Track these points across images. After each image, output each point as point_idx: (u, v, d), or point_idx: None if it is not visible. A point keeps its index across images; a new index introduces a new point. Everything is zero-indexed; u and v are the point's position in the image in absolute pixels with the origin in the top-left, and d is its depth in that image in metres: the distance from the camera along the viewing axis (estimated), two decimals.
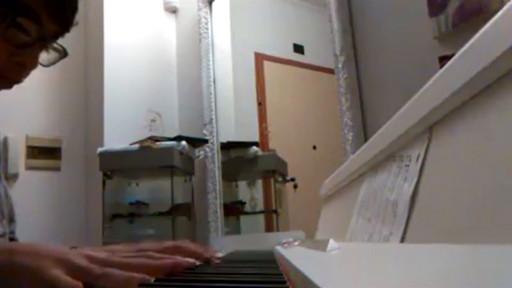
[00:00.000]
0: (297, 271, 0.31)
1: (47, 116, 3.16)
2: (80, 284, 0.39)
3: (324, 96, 3.10)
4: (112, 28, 3.15)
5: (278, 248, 0.80)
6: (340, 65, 2.11)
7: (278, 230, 3.04)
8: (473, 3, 1.50)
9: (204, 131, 3.08)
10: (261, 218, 3.42)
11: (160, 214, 2.81)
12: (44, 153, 3.09)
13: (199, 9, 3.22)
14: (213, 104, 3.12)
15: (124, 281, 0.40)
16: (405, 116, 0.44)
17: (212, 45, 3.20)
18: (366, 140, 1.93)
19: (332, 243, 0.43)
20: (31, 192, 2.95)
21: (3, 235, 0.73)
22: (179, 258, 0.49)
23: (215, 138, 3.08)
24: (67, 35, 0.67)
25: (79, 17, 0.67)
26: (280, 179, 3.27)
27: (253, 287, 0.38)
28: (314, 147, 3.76)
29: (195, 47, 3.23)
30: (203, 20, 3.21)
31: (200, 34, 3.20)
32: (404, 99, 0.43)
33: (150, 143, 2.74)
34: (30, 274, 0.40)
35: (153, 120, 3.19)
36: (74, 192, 3.13)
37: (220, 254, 0.78)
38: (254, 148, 3.07)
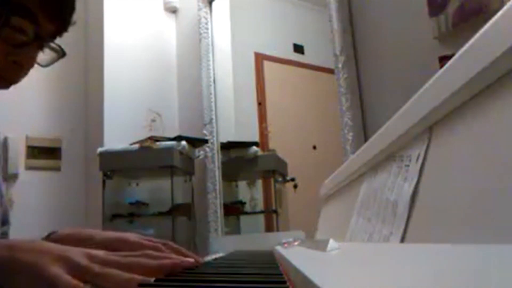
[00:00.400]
0: (297, 271, 0.31)
1: (47, 116, 3.16)
2: (80, 283, 0.39)
3: (324, 96, 3.10)
4: (112, 29, 3.15)
5: (278, 248, 0.80)
6: (340, 65, 2.11)
7: (278, 230, 3.04)
8: (473, 3, 1.50)
9: (204, 131, 3.08)
10: (261, 218, 3.42)
11: (160, 214, 2.81)
12: (44, 153, 3.09)
13: (199, 9, 3.22)
14: (213, 104, 3.12)
15: (123, 281, 0.40)
16: (405, 116, 0.44)
17: (212, 45, 3.20)
18: (366, 140, 1.93)
19: (332, 243, 0.43)
20: (31, 192, 2.95)
21: None
22: (179, 258, 0.49)
23: (215, 138, 3.08)
24: (66, 35, 0.66)
25: (77, 17, 0.67)
26: (280, 179, 3.27)
27: (253, 287, 0.38)
28: (314, 147, 3.76)
29: (195, 47, 3.23)
30: (203, 20, 3.21)
31: (200, 34, 3.20)
32: (404, 99, 0.43)
33: (150, 143, 2.74)
34: (30, 271, 0.40)
35: (153, 120, 3.19)
36: (74, 192, 3.13)
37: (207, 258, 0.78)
38: (254, 148, 3.07)
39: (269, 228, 3.28)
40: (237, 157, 3.08)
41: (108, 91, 3.05)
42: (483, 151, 0.28)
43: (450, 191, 0.33)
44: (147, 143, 2.73)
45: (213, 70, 3.16)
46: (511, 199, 0.24)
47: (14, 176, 2.91)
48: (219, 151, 3.09)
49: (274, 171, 3.13)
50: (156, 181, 3.02)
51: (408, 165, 0.43)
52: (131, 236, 0.61)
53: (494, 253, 0.20)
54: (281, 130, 3.64)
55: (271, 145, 3.51)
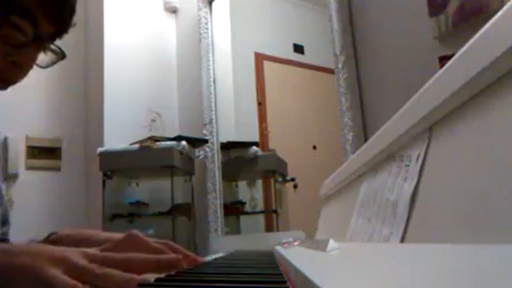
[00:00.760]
0: (297, 271, 0.31)
1: (47, 116, 3.16)
2: (78, 283, 0.39)
3: (324, 96, 3.10)
4: (112, 29, 3.15)
5: (278, 248, 0.80)
6: (340, 65, 2.11)
7: (278, 230, 3.04)
8: (473, 3, 1.50)
9: (204, 131, 3.08)
10: (261, 218, 3.42)
11: (160, 214, 2.81)
12: (44, 153, 3.09)
13: (199, 9, 3.22)
14: (213, 104, 3.12)
15: (123, 282, 0.40)
16: (405, 116, 0.44)
17: (212, 45, 3.20)
18: (366, 140, 1.93)
19: (332, 243, 0.43)
20: (31, 192, 2.95)
21: None
22: (177, 256, 0.49)
23: (215, 138, 3.08)
24: (66, 36, 0.66)
25: (77, 18, 0.67)
26: (280, 179, 3.27)
27: (253, 287, 0.38)
28: (314, 147, 3.76)
29: (195, 47, 3.23)
30: (203, 20, 3.21)
31: (200, 34, 3.20)
32: (404, 99, 0.43)
33: (150, 143, 2.74)
34: (27, 273, 0.40)
35: (153, 120, 3.19)
36: (74, 192, 3.13)
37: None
38: (254, 148, 3.07)
39: (269, 228, 3.28)
40: (237, 157, 3.08)
41: (108, 91, 3.05)
42: (483, 151, 0.28)
43: (450, 191, 0.33)
44: (147, 143, 2.73)
45: (213, 70, 3.16)
46: (511, 199, 0.24)
47: (14, 176, 2.91)
48: (219, 151, 3.09)
49: (274, 171, 3.13)
50: (156, 181, 3.02)
51: (408, 165, 0.43)
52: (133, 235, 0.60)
53: (494, 253, 0.20)
54: (281, 130, 3.64)
55: (271, 145, 3.51)
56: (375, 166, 0.58)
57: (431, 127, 0.39)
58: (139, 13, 3.33)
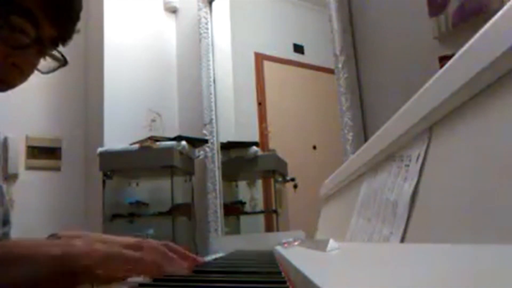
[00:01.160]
0: (297, 271, 0.31)
1: (47, 116, 3.16)
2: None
3: (324, 96, 3.10)
4: (112, 28, 3.15)
5: (278, 248, 0.80)
6: (340, 65, 2.11)
7: (278, 230, 3.04)
8: (473, 3, 1.50)
9: (204, 131, 3.08)
10: (261, 218, 3.42)
11: (160, 214, 2.81)
12: (44, 153, 3.09)
13: (199, 9, 3.22)
14: (213, 104, 3.12)
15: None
16: (405, 116, 0.44)
17: (212, 45, 3.20)
18: (366, 140, 1.93)
19: (332, 243, 0.43)
20: (31, 192, 2.95)
21: None
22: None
23: (215, 138, 3.08)
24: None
25: (80, 24, 0.66)
26: (280, 179, 3.27)
27: (253, 287, 0.38)
28: (314, 147, 3.76)
29: (195, 47, 3.23)
30: (203, 20, 3.21)
31: (200, 34, 3.20)
32: (404, 99, 0.43)
33: (150, 143, 2.74)
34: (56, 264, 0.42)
35: (153, 120, 3.19)
36: (74, 192, 3.13)
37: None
38: (254, 148, 3.07)
39: (269, 228, 3.28)
40: (237, 157, 3.08)
41: (108, 91, 3.05)
42: (483, 151, 0.28)
43: (450, 191, 0.33)
44: (147, 143, 2.73)
45: (213, 70, 3.16)
46: (511, 199, 0.24)
47: (14, 176, 2.91)
48: (219, 151, 3.09)
49: (274, 171, 3.13)
50: (156, 181, 3.02)
51: (408, 165, 0.43)
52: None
53: (494, 253, 0.20)
54: (281, 130, 3.64)
55: (271, 145, 3.51)
56: (375, 166, 0.58)
57: (431, 127, 0.39)
58: (139, 13, 3.33)
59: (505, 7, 0.25)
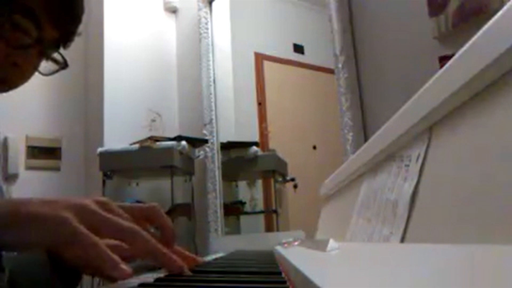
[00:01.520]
0: (297, 271, 0.31)
1: (47, 116, 3.16)
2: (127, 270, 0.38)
3: (324, 96, 3.11)
4: (112, 28, 3.15)
5: (278, 248, 0.80)
6: (340, 65, 2.11)
7: (278, 230, 3.05)
8: (473, 3, 1.50)
9: (204, 131, 3.08)
10: (261, 218, 3.43)
11: None
12: (44, 153, 3.09)
13: (199, 9, 3.22)
14: (213, 104, 3.12)
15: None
16: (405, 116, 0.44)
17: (212, 45, 3.20)
18: (366, 140, 1.93)
19: (332, 243, 0.43)
20: (31, 192, 2.95)
21: None
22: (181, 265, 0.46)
23: (215, 138, 3.08)
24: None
25: (81, 26, 0.66)
26: (280, 179, 3.27)
27: (253, 287, 0.38)
28: (314, 147, 3.76)
29: (195, 47, 3.23)
30: (203, 20, 3.21)
31: (200, 34, 3.20)
32: (404, 99, 0.43)
33: (150, 143, 2.74)
34: (42, 222, 0.38)
35: (153, 120, 3.19)
36: (74, 192, 3.13)
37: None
38: (254, 148, 3.07)
39: (269, 228, 3.29)
40: (237, 157, 3.08)
41: (108, 91, 3.05)
42: (483, 151, 0.28)
43: (450, 191, 0.33)
44: (147, 143, 2.74)
45: (213, 70, 3.16)
46: (511, 199, 0.24)
47: (14, 176, 2.91)
48: (219, 151, 3.09)
49: (274, 171, 3.13)
50: (156, 181, 3.02)
51: (408, 165, 0.43)
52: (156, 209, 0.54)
53: (494, 253, 0.20)
54: (281, 130, 3.64)
55: (271, 145, 3.51)
56: (375, 166, 0.58)
57: (431, 127, 0.39)
58: (139, 13, 3.33)
59: (505, 7, 0.25)
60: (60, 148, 3.16)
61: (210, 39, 3.20)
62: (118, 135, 2.97)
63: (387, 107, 1.88)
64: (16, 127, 2.93)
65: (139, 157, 2.71)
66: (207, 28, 3.21)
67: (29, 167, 3.01)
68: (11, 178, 2.88)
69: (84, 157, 3.22)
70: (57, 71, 0.67)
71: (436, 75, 0.35)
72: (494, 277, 0.16)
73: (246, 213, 3.30)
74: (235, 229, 3.28)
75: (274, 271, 0.47)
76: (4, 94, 0.63)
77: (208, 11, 3.24)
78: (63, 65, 0.67)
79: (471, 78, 0.28)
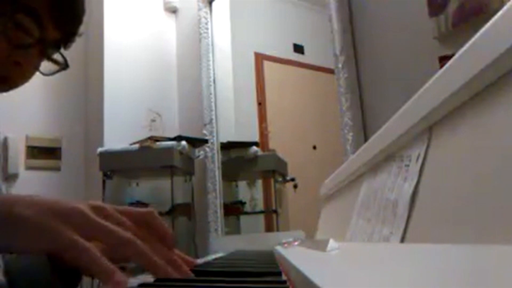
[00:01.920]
0: (297, 271, 0.31)
1: (47, 116, 3.16)
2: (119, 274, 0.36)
3: (324, 96, 3.11)
4: (112, 28, 3.15)
5: (278, 248, 0.80)
6: (340, 65, 2.11)
7: (278, 230, 3.04)
8: (473, 3, 1.50)
9: (204, 131, 3.08)
10: (261, 218, 3.43)
11: (160, 214, 2.80)
12: (44, 153, 3.09)
13: (199, 9, 3.22)
14: (213, 104, 3.12)
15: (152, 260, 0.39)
16: (405, 116, 0.44)
17: (212, 45, 3.20)
18: (366, 140, 1.93)
19: (332, 243, 0.43)
20: (31, 192, 2.92)
21: None
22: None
23: (215, 138, 3.08)
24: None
25: (82, 27, 0.67)
26: (280, 179, 3.27)
27: (253, 287, 0.38)
28: (314, 147, 3.76)
29: (195, 47, 3.23)
30: (203, 20, 3.21)
31: (200, 34, 3.20)
32: (404, 99, 0.43)
33: (150, 143, 2.74)
34: (32, 227, 0.36)
35: (153, 120, 3.19)
36: (74, 192, 3.13)
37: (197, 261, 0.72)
38: (254, 148, 3.07)
39: (269, 228, 3.29)
40: (237, 157, 3.08)
41: (108, 91, 3.05)
42: (483, 151, 0.28)
43: (450, 191, 0.33)
44: (147, 143, 2.74)
45: (213, 70, 3.16)
46: (511, 199, 0.24)
47: (14, 176, 2.91)
48: (219, 151, 3.09)
49: (274, 171, 3.13)
50: (156, 181, 3.02)
51: (408, 165, 0.43)
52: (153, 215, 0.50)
53: (494, 253, 0.20)
54: (281, 130, 3.64)
55: (271, 145, 3.51)
56: (375, 166, 0.58)
57: (431, 127, 0.39)
58: (139, 13, 3.33)
59: (505, 7, 0.25)
60: (60, 148, 3.16)
61: (210, 39, 3.20)
62: (118, 135, 2.97)
63: (387, 107, 1.88)
64: (16, 127, 2.93)
65: (139, 157, 2.71)
66: (207, 28, 3.21)
67: (29, 167, 3.01)
68: (11, 178, 2.88)
69: (84, 157, 3.22)
70: (57, 71, 0.67)
71: (436, 75, 0.35)
72: (494, 277, 0.16)
73: (246, 213, 3.30)
74: (235, 229, 3.28)
75: (274, 271, 0.47)
76: (4, 94, 0.63)
77: (208, 11, 3.24)
78: (64, 65, 0.67)
79: (471, 78, 0.28)
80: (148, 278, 0.41)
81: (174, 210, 2.76)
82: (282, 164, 3.24)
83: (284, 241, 0.92)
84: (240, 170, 3.20)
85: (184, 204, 2.99)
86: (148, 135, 2.93)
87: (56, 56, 0.66)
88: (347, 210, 0.70)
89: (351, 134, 2.04)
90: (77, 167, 3.20)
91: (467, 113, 0.31)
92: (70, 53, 0.67)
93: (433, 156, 0.38)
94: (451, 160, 0.34)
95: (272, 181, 3.21)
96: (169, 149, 2.70)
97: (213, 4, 3.26)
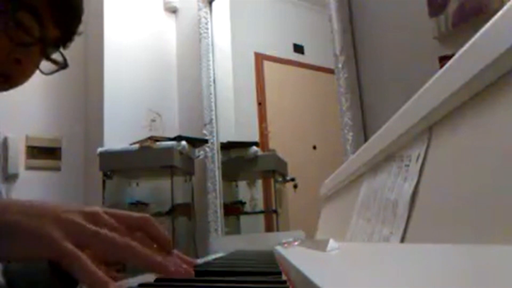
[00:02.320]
0: (297, 271, 0.31)
1: (47, 116, 3.16)
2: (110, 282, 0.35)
3: (324, 96, 3.10)
4: (112, 28, 3.15)
5: (278, 248, 0.80)
6: (340, 65, 2.11)
7: (278, 230, 3.04)
8: (473, 3, 1.50)
9: (204, 131, 3.08)
10: (261, 218, 3.42)
11: (160, 214, 2.81)
12: (44, 153, 3.09)
13: (199, 9, 3.22)
14: (213, 104, 3.12)
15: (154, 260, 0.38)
16: (405, 116, 0.44)
17: (212, 45, 3.20)
18: (366, 140, 1.93)
19: (332, 243, 0.43)
20: (31, 192, 2.95)
21: None
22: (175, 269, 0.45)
23: (215, 138, 3.08)
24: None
25: (81, 26, 0.67)
26: (280, 179, 3.27)
27: (253, 287, 0.38)
28: (314, 147, 3.76)
29: (195, 47, 3.23)
30: (203, 20, 3.21)
31: (200, 34, 3.20)
32: (404, 99, 0.43)
33: (150, 143, 2.74)
34: (24, 234, 0.35)
35: (153, 120, 3.19)
36: (74, 192, 3.13)
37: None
38: (254, 148, 3.07)
39: (269, 228, 3.28)
40: (237, 157, 3.08)
41: (108, 91, 3.05)
42: (483, 151, 0.28)
43: (450, 191, 0.33)
44: (147, 143, 2.73)
45: (213, 70, 3.16)
46: (511, 199, 0.24)
47: (14, 176, 2.91)
48: (219, 151, 3.09)
49: (274, 171, 3.13)
50: (156, 181, 3.02)
51: (408, 165, 0.43)
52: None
53: (494, 253, 0.20)
54: (281, 130, 3.64)
55: (271, 145, 3.51)
56: (375, 166, 0.58)
57: (431, 127, 0.39)
58: (139, 13, 3.33)
59: (505, 7, 0.25)
60: (60, 148, 3.16)
61: (210, 39, 3.20)
62: (118, 135, 2.97)
63: (387, 107, 1.88)
64: (16, 127, 2.93)
65: (139, 157, 2.71)
66: (207, 28, 3.21)
67: (29, 167, 3.01)
68: (11, 178, 2.88)
69: (84, 157, 3.22)
70: (57, 70, 0.67)
71: (436, 75, 0.35)
72: (494, 277, 0.16)
73: (246, 213, 3.30)
74: (235, 229, 3.28)
75: (274, 271, 0.47)
76: (5, 94, 0.64)
77: (208, 11, 3.24)
78: (63, 64, 0.67)
79: (471, 78, 0.28)
80: (148, 278, 0.41)
81: (174, 210, 2.76)
82: (282, 164, 3.24)
83: (284, 241, 0.92)
84: (240, 170, 3.19)
85: (184, 204, 2.99)
86: (148, 135, 2.93)
87: (56, 55, 0.66)
88: (347, 210, 0.70)
89: (351, 134, 2.04)
90: (77, 167, 3.20)
91: (467, 113, 0.31)
92: (70, 52, 0.67)
93: (433, 156, 0.38)
94: (451, 160, 0.34)
95: (272, 181, 3.21)
96: (169, 149, 2.70)
97: (213, 4, 3.26)
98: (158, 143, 2.75)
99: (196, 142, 3.02)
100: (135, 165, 2.77)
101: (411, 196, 0.41)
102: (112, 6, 3.17)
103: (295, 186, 3.39)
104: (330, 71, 2.25)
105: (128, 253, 0.38)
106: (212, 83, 3.14)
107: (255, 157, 3.04)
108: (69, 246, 0.35)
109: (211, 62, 3.16)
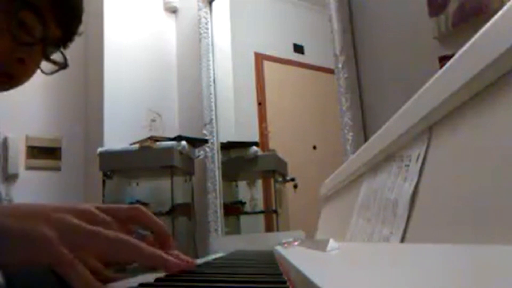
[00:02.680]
0: (297, 271, 0.31)
1: (47, 116, 3.16)
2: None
3: (324, 96, 3.10)
4: (112, 28, 3.15)
5: (278, 248, 0.80)
6: (340, 65, 2.11)
7: (278, 230, 3.04)
8: (473, 3, 1.50)
9: (204, 131, 3.08)
10: (261, 218, 3.42)
11: (160, 214, 2.81)
12: (44, 153, 3.09)
13: (199, 9, 3.22)
14: (213, 104, 3.12)
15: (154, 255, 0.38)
16: (405, 116, 0.44)
17: (212, 45, 3.20)
18: (366, 140, 1.93)
19: (332, 243, 0.43)
20: (31, 192, 2.95)
21: None
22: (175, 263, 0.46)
23: (215, 138, 3.08)
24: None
25: (81, 27, 0.68)
26: (280, 179, 3.27)
27: (253, 287, 0.38)
28: (314, 147, 3.76)
29: (195, 47, 3.23)
30: (203, 20, 3.21)
31: (200, 34, 3.20)
32: (404, 99, 0.43)
33: (150, 143, 2.74)
34: (18, 238, 0.33)
35: (153, 120, 3.19)
36: (74, 192, 3.13)
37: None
38: (254, 148, 3.07)
39: (269, 228, 3.28)
40: (237, 157, 3.08)
41: (108, 91, 3.05)
42: (483, 151, 0.28)
43: (450, 191, 0.33)
44: (147, 143, 2.73)
45: (213, 70, 3.16)
46: (511, 199, 0.24)
47: (14, 176, 2.91)
48: (219, 151, 3.09)
49: (274, 171, 3.13)
50: (156, 181, 3.02)
51: (408, 165, 0.43)
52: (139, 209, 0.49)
53: (494, 253, 0.20)
54: (281, 130, 3.64)
55: (271, 145, 3.51)
56: (375, 166, 0.58)
57: (431, 127, 0.39)
58: (139, 13, 3.33)
59: (505, 7, 0.25)
60: (60, 148, 3.16)
61: (210, 39, 3.20)
62: (118, 135, 2.97)
63: (387, 107, 1.88)
64: (16, 127, 2.94)
65: (139, 157, 2.71)
66: (207, 28, 3.21)
67: (29, 167, 3.01)
68: (11, 178, 2.88)
69: (84, 157, 3.22)
70: (57, 70, 0.68)
71: (436, 75, 0.35)
72: (494, 277, 0.16)
73: (246, 213, 3.30)
74: (235, 229, 3.28)
75: (274, 271, 0.47)
76: (5, 94, 0.64)
77: (208, 11, 3.24)
78: (64, 64, 0.67)
79: (471, 78, 0.28)
80: (148, 278, 0.41)
81: (174, 210, 2.76)
82: (282, 164, 3.24)
83: (284, 241, 0.92)
84: (240, 170, 3.20)
85: (184, 204, 2.99)
86: (148, 135, 2.93)
87: (56, 55, 0.66)
88: (347, 210, 0.70)
89: (351, 134, 2.04)
90: (77, 167, 3.20)
91: (467, 113, 0.31)
92: (70, 52, 0.67)
93: (433, 156, 0.38)
94: (451, 160, 0.34)
95: (272, 181, 3.21)
96: (169, 149, 2.70)
97: (213, 4, 3.26)
98: (158, 143, 2.75)
99: (196, 142, 3.02)
100: (135, 165, 2.77)
101: (411, 196, 0.41)
102: (112, 6, 3.17)
103: (295, 186, 3.39)
104: (330, 71, 2.25)
105: (127, 251, 0.37)
106: (212, 83, 3.14)
107: (255, 157, 3.04)
108: (65, 252, 0.33)
109: (211, 62, 3.16)
